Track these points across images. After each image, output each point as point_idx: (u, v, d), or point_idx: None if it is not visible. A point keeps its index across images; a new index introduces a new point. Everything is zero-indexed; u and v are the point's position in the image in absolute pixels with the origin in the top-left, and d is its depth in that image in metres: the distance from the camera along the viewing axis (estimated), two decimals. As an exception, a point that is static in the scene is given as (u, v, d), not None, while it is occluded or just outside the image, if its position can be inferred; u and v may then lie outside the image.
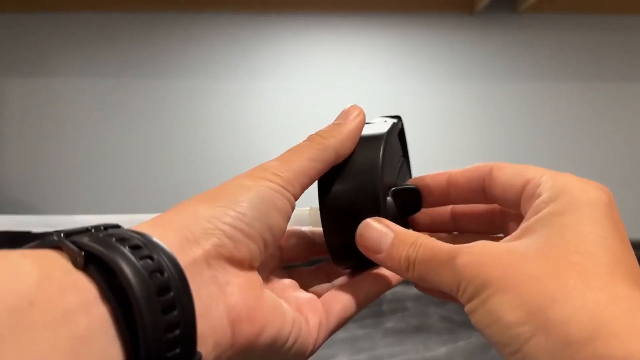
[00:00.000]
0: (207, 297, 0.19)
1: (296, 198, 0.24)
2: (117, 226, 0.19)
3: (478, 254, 0.21)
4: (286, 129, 0.91)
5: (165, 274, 0.17)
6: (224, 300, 0.20)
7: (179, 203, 0.21)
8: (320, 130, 0.26)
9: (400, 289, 0.89)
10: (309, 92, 0.92)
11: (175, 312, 0.17)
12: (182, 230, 0.19)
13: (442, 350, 0.69)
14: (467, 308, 0.21)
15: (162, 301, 0.16)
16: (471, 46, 0.90)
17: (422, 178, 0.28)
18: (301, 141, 0.25)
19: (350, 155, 0.26)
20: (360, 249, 0.25)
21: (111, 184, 0.96)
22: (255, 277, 0.22)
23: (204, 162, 0.95)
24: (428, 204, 0.28)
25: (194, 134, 0.95)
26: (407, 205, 0.28)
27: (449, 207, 0.29)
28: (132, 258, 0.16)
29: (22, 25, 0.94)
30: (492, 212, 0.28)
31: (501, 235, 0.27)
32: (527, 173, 0.23)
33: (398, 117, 0.30)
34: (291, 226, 0.28)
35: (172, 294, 0.17)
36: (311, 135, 0.26)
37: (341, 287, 0.27)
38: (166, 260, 0.17)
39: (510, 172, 0.24)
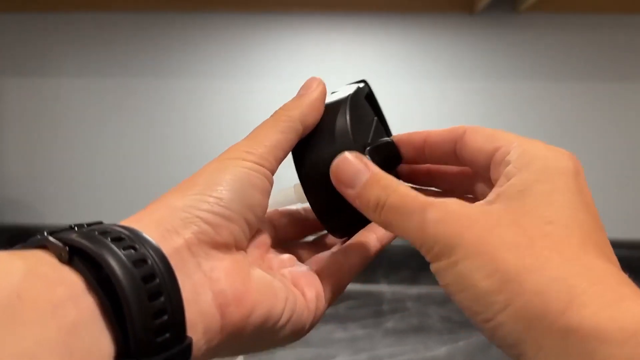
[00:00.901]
0: (193, 284, 0.19)
1: (273, 172, 0.24)
2: (100, 222, 0.19)
3: (452, 212, 0.20)
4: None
5: (149, 262, 0.17)
6: (210, 286, 0.20)
7: (157, 198, 0.22)
8: (284, 105, 0.26)
9: (400, 289, 0.89)
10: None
11: (162, 299, 0.17)
12: (161, 223, 0.20)
13: (442, 350, 0.69)
14: (433, 267, 0.20)
15: (147, 288, 0.17)
16: (471, 46, 0.90)
17: (399, 135, 0.28)
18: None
19: (319, 124, 0.26)
20: (334, 181, 0.24)
21: (110, 184, 0.96)
22: (241, 258, 0.22)
23: (204, 162, 0.95)
24: (404, 161, 0.28)
25: (194, 133, 0.95)
26: (388, 160, 0.27)
27: (426, 165, 0.29)
28: (115, 249, 0.17)
29: (22, 25, 0.94)
30: (463, 173, 0.28)
31: (471, 196, 0.27)
32: (497, 139, 0.23)
33: (363, 81, 0.31)
34: (281, 207, 0.29)
35: (157, 280, 0.17)
36: (275, 110, 0.26)
37: (332, 257, 0.27)
38: (149, 250, 0.18)
39: (481, 136, 0.24)
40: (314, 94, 0.26)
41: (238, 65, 0.93)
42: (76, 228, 0.18)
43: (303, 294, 0.24)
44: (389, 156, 0.28)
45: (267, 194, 0.24)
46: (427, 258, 0.21)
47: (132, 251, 0.17)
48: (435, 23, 0.90)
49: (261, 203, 0.23)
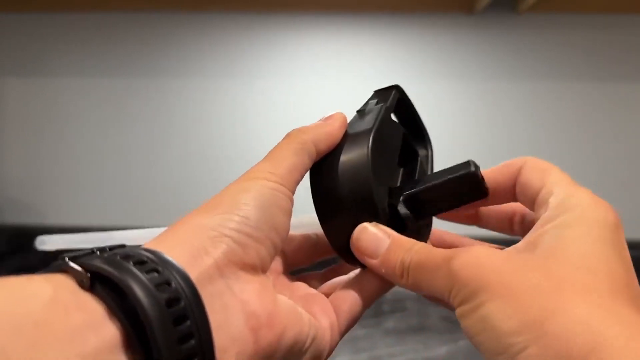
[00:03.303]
0: (222, 307, 0.19)
1: (293, 194, 0.24)
2: (123, 246, 0.19)
3: (475, 257, 0.20)
4: (286, 129, 0.90)
5: (173, 285, 0.17)
6: (242, 308, 0.19)
7: (181, 218, 0.21)
8: (300, 127, 0.26)
9: (400, 289, 0.89)
10: (309, 91, 0.92)
11: (188, 322, 0.16)
12: (188, 243, 0.19)
13: (442, 350, 0.69)
14: (458, 311, 0.20)
15: (172, 312, 0.16)
16: (471, 46, 0.90)
17: None
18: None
19: (339, 153, 0.25)
20: (355, 252, 0.25)
21: (111, 184, 0.96)
22: (267, 281, 0.22)
23: (204, 161, 0.95)
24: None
25: (194, 133, 0.95)
26: (425, 204, 0.26)
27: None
28: (138, 273, 0.16)
29: (22, 25, 0.94)
30: (504, 213, 0.28)
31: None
32: (547, 176, 0.23)
33: (395, 87, 0.29)
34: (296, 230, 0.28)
35: (182, 304, 0.17)
36: (289, 132, 0.26)
37: (346, 286, 0.26)
38: (174, 272, 0.17)
39: (536, 170, 0.24)
40: (333, 121, 0.26)
41: (238, 65, 0.93)
42: (98, 252, 0.18)
43: (319, 322, 0.24)
44: (427, 200, 0.26)
45: (289, 215, 0.23)
46: (454, 304, 0.20)
47: (155, 274, 0.17)
48: (435, 23, 0.90)
49: (284, 223, 0.23)
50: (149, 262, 0.17)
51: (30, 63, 0.95)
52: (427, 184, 0.26)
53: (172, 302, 0.16)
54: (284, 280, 0.26)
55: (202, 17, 0.92)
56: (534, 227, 0.22)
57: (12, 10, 0.93)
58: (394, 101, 0.29)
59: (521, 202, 0.26)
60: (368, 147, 0.24)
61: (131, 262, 0.17)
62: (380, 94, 0.29)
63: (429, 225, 0.29)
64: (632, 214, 0.89)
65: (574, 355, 0.17)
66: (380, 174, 0.25)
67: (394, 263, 0.23)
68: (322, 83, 0.92)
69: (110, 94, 0.95)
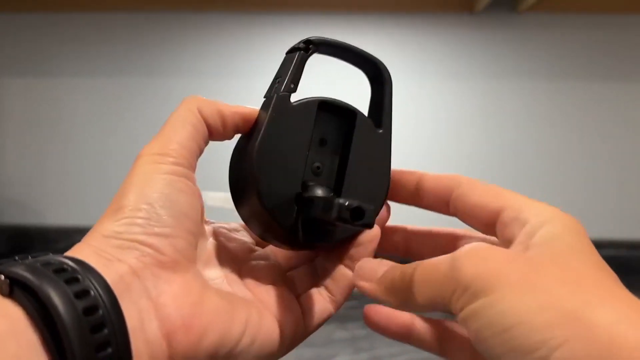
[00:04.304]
0: (138, 311, 0.19)
1: (192, 168, 0.23)
2: (46, 253, 0.19)
3: (485, 251, 0.19)
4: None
5: (92, 293, 0.17)
6: (156, 313, 0.19)
7: (96, 222, 0.21)
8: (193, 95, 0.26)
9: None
10: (309, 91, 0.91)
11: (106, 331, 0.17)
12: (101, 255, 0.19)
13: (442, 350, 0.69)
14: (465, 313, 0.19)
15: (90, 320, 0.16)
16: (471, 45, 0.90)
17: (391, 172, 0.27)
18: None
19: (249, 136, 0.24)
20: (356, 281, 0.24)
21: (111, 184, 0.96)
22: (192, 278, 0.21)
23: (203, 161, 0.95)
24: (395, 198, 0.27)
25: (194, 133, 0.95)
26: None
27: (398, 228, 0.28)
28: (57, 280, 0.16)
29: (22, 25, 0.94)
30: (451, 235, 0.27)
31: None
32: (502, 198, 0.23)
33: (301, 49, 0.26)
34: None
35: (100, 312, 0.17)
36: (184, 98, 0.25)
37: (321, 288, 0.26)
38: (92, 280, 0.17)
39: (481, 192, 0.24)
40: (233, 106, 0.25)
41: (238, 65, 0.93)
42: (19, 259, 0.18)
43: (278, 319, 0.23)
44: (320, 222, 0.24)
45: (195, 192, 0.23)
46: (459, 304, 0.19)
47: (75, 282, 0.17)
48: (436, 23, 0.90)
49: (194, 205, 0.22)
50: (69, 269, 0.17)
51: (30, 63, 0.95)
52: (311, 214, 0.23)
53: (90, 310, 0.16)
54: (251, 264, 0.25)
55: (202, 17, 0.92)
56: (520, 237, 0.21)
57: (12, 10, 0.93)
58: (296, 76, 0.26)
59: (463, 220, 0.25)
60: (254, 166, 0.23)
61: (51, 270, 0.17)
62: (287, 63, 0.26)
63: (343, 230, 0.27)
64: (632, 214, 0.89)
65: (623, 346, 0.16)
66: (280, 181, 0.24)
67: (392, 276, 0.22)
68: (322, 83, 0.92)
69: (110, 93, 0.95)
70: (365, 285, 0.23)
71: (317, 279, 0.27)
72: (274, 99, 0.25)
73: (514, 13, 0.89)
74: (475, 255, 0.19)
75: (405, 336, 0.28)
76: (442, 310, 0.20)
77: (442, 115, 0.92)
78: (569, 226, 0.21)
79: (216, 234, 0.26)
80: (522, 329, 0.17)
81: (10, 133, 0.97)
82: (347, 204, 0.20)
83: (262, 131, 0.24)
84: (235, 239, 0.27)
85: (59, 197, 0.97)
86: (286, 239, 0.24)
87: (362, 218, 0.20)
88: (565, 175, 0.91)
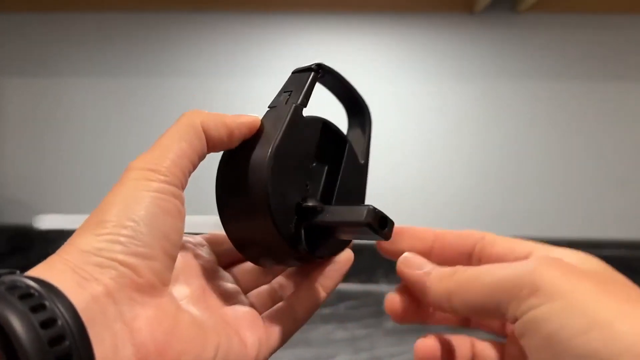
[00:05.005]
0: (113, 336, 0.18)
1: (182, 187, 0.22)
2: (13, 272, 0.18)
3: (556, 259, 0.21)
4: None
5: (59, 322, 0.16)
6: (131, 339, 0.18)
7: (71, 237, 0.20)
8: (194, 109, 0.25)
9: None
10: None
11: None
12: (76, 272, 0.18)
13: (442, 350, 0.69)
14: (543, 309, 0.19)
15: (56, 351, 0.16)
16: (471, 45, 0.90)
17: (400, 228, 0.27)
18: None
19: (246, 153, 0.24)
20: (405, 270, 0.25)
21: (111, 184, 0.96)
22: (167, 301, 0.21)
23: (203, 161, 0.95)
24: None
25: (194, 133, 0.94)
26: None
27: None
28: (23, 308, 0.16)
29: (22, 25, 0.94)
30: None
31: None
32: (528, 243, 0.25)
33: (313, 70, 0.26)
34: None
35: (67, 343, 0.16)
36: (184, 112, 0.24)
37: (283, 303, 0.26)
38: (60, 307, 0.16)
39: (506, 240, 0.25)
40: (238, 116, 0.25)
41: (238, 65, 0.93)
42: None
43: (243, 339, 0.23)
44: (327, 231, 0.24)
45: (181, 215, 0.22)
46: (524, 306, 0.20)
47: (41, 310, 0.16)
48: (435, 23, 0.90)
49: (176, 228, 0.21)
50: (35, 295, 0.16)
51: (30, 63, 0.95)
52: (326, 219, 0.24)
53: (57, 340, 0.16)
54: (217, 280, 0.25)
55: (201, 17, 0.92)
56: None
57: (12, 10, 0.93)
58: (308, 92, 0.26)
59: None
60: (268, 177, 0.23)
61: (17, 295, 0.16)
62: (296, 80, 0.27)
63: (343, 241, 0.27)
64: (632, 214, 0.89)
65: None
66: (285, 189, 0.24)
67: (442, 271, 0.24)
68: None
69: (110, 93, 0.95)
70: (412, 273, 0.25)
71: (278, 298, 0.27)
72: (292, 108, 0.25)
73: (514, 13, 0.89)
74: (548, 262, 0.21)
75: None
76: (483, 315, 0.22)
77: (442, 115, 0.92)
78: (600, 263, 0.23)
79: (183, 248, 0.26)
80: (606, 332, 0.17)
81: (10, 133, 0.97)
82: (377, 210, 0.21)
83: (277, 139, 0.24)
84: (200, 256, 0.26)
85: (59, 197, 0.97)
86: (285, 250, 0.24)
87: (385, 227, 0.21)
88: (566, 174, 0.91)
